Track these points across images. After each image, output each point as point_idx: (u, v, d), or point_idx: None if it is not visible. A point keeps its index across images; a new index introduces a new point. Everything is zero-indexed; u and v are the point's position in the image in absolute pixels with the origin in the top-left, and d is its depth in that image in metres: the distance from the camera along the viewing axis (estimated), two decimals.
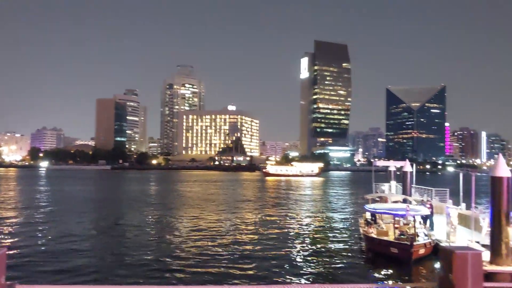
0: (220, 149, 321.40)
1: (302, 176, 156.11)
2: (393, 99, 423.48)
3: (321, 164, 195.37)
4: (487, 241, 17.92)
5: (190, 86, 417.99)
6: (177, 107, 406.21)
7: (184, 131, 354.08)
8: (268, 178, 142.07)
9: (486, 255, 17.37)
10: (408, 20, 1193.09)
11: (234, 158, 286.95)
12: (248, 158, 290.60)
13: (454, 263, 2.62)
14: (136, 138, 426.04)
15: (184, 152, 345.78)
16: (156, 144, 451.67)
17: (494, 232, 16.73)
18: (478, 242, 19.82)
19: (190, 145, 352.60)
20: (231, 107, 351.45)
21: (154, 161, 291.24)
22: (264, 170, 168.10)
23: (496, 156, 18.56)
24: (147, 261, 20.29)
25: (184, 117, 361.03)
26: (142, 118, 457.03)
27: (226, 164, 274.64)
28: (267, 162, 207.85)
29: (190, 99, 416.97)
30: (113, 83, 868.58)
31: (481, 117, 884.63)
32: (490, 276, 16.14)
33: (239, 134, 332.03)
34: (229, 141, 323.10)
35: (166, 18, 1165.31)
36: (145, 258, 20.79)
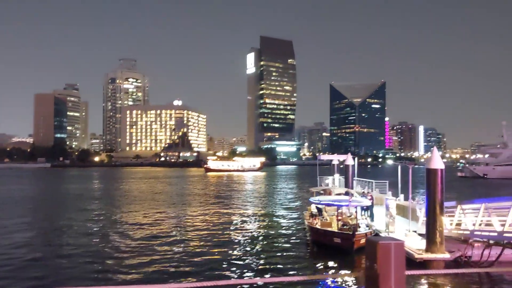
0: (166, 145, 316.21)
1: (243, 171, 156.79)
2: (336, 95, 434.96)
3: (262, 159, 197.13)
4: (423, 231, 18.85)
5: (134, 80, 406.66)
6: (120, 102, 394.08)
7: (128, 126, 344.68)
8: (209, 173, 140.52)
9: (422, 243, 18.27)
10: (349, 18, 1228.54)
11: (181, 154, 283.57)
12: (195, 154, 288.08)
13: (378, 253, 2.70)
14: (77, 135, 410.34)
15: (128, 148, 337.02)
16: (98, 141, 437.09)
17: (429, 221, 17.62)
18: (415, 232, 20.80)
19: (134, 141, 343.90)
20: (177, 102, 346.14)
21: (96, 158, 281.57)
22: (205, 166, 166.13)
23: (432, 149, 19.55)
24: (89, 263, 19.55)
25: (128, 112, 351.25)
26: (84, 113, 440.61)
27: (173, 160, 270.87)
28: (207, 158, 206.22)
29: (134, 94, 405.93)
30: (52, 78, 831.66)
31: (418, 111, 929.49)
32: (424, 264, 16.99)
33: (185, 130, 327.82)
34: (175, 137, 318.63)
35: (108, 10, 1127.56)
36: (88, 260, 20.01)
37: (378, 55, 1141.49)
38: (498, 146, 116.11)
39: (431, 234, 17.45)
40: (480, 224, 16.29)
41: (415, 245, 18.33)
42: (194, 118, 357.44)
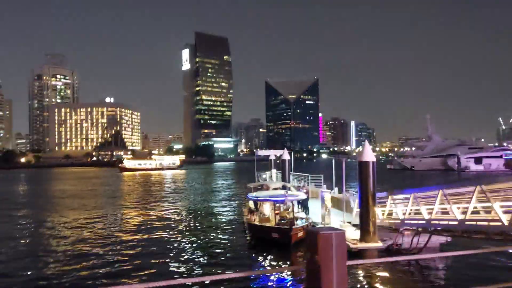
0: (98, 144, 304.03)
1: (162, 169, 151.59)
2: (271, 92, 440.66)
3: (182, 156, 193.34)
4: (357, 221, 19.51)
5: (62, 77, 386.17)
6: (47, 100, 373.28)
7: (56, 125, 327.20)
8: (124, 173, 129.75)
9: (357, 234, 18.90)
10: (283, 15, 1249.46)
11: (114, 153, 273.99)
12: (129, 153, 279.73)
13: (319, 244, 2.63)
14: (1, 135, 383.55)
15: (57, 148, 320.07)
16: (24, 141, 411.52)
17: (362, 212, 18.26)
18: (349, 223, 21.49)
19: (63, 140, 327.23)
20: (109, 99, 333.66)
21: (22, 159, 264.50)
22: (120, 165, 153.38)
23: (363, 143, 20.27)
24: (17, 269, 18.27)
25: (56, 110, 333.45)
26: (7, 112, 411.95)
27: (105, 160, 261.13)
28: (122, 157, 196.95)
29: (62, 91, 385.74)
30: None
31: (350, 107, 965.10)
32: (359, 253, 17.59)
33: (118, 128, 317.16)
34: (108, 135, 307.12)
35: (33, 2, 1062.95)
36: (16, 266, 18.70)
37: (312, 52, 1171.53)
38: (424, 139, 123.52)
39: (364, 225, 18.10)
40: (409, 213, 17.11)
41: (350, 235, 18.92)
42: (128, 115, 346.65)
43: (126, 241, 23.86)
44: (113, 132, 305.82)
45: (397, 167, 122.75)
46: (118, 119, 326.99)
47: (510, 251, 16.52)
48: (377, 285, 15.08)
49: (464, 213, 13.10)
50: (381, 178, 57.56)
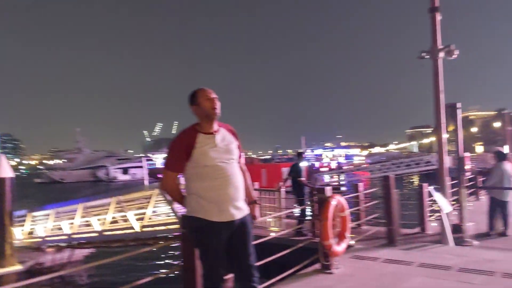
0: None
1: None
2: None
3: None
4: None
5: None
6: None
7: None
8: None
9: None
10: None
11: None
12: None
13: None
14: None
15: None
16: None
17: None
18: None
19: None
20: None
21: None
22: None
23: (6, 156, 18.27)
24: None
25: None
26: None
27: None
28: None
29: None
30: None
31: None
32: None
33: None
34: None
35: None
36: None
37: None
38: (75, 151, 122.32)
39: (0, 248, 16.29)
40: (52, 230, 16.53)
41: None
42: None
43: None
44: None
45: (46, 180, 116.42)
46: None
47: (143, 252, 18.34)
48: None
49: (104, 224, 13.72)
50: (26, 194, 53.47)
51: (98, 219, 14.04)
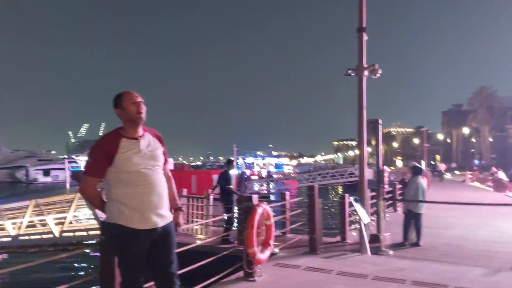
0: None
1: None
2: None
3: None
4: None
5: None
6: None
7: None
8: None
9: None
10: None
11: None
12: None
13: None
14: None
15: None
16: None
17: None
18: None
19: None
20: None
21: None
22: None
23: None
24: None
25: None
26: None
27: None
28: None
29: None
30: None
31: None
32: None
33: None
34: None
35: None
36: None
37: None
38: None
39: None
40: None
41: None
42: None
43: None
44: None
45: None
46: None
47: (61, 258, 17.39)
48: None
49: (20, 228, 12.88)
50: None
51: (13, 223, 13.16)
